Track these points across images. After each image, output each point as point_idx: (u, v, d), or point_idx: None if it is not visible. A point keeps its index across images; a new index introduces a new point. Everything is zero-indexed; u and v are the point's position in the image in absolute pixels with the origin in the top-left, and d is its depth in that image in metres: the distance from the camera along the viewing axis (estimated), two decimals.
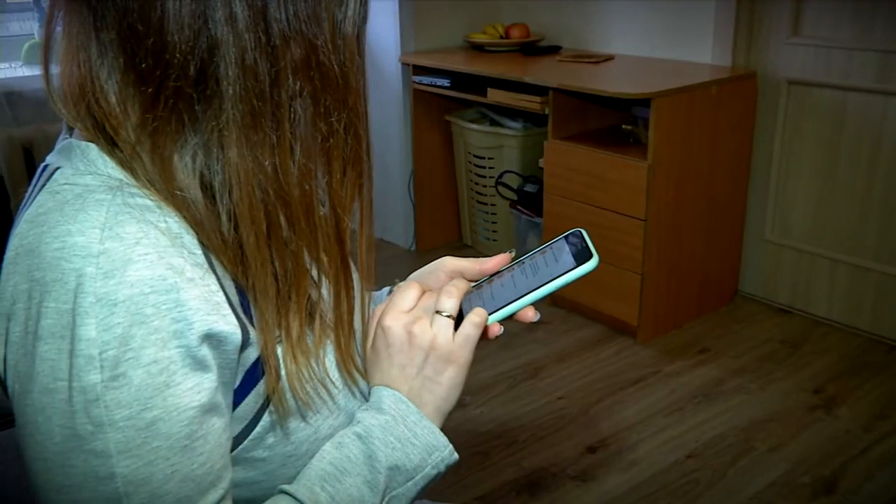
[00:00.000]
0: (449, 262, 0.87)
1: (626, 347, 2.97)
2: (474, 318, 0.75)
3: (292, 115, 0.68)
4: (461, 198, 3.81)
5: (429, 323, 0.76)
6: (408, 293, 0.78)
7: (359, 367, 0.78)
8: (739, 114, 3.02)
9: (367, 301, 0.80)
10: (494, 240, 3.63)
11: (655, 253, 2.88)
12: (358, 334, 0.80)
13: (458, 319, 0.76)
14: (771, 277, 3.25)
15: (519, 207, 3.41)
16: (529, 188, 3.41)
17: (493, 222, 3.65)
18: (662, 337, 3.03)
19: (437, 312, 0.76)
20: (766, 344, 2.98)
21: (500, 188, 3.52)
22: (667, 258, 2.94)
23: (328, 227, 0.73)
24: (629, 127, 3.04)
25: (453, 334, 0.76)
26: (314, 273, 0.74)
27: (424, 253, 3.74)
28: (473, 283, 0.83)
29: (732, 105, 2.98)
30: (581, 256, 0.77)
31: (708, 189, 3.00)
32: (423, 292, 0.78)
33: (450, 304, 0.76)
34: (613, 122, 3.21)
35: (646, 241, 2.83)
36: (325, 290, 0.76)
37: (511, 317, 0.78)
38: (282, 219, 0.70)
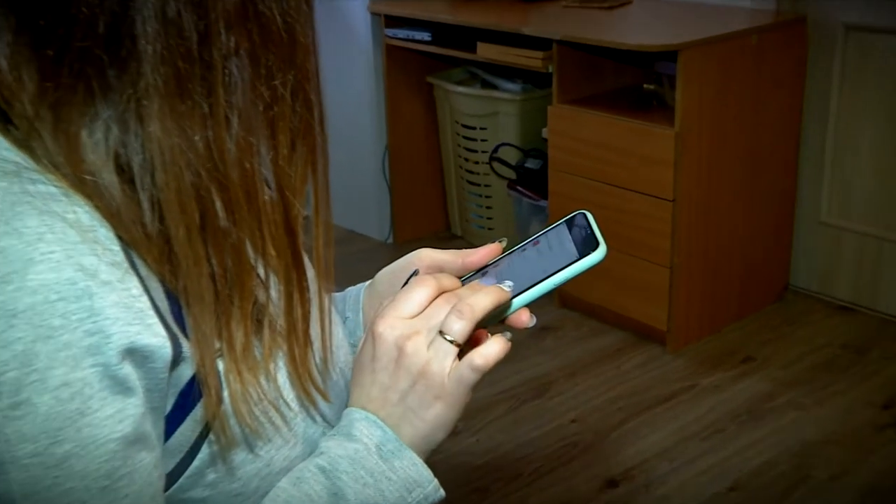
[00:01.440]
0: (426, 256, 0.88)
1: (652, 357, 2.99)
2: (477, 360, 0.75)
3: (227, 79, 0.68)
4: (448, 178, 3.82)
5: (426, 342, 0.76)
6: (415, 294, 0.77)
7: (318, 385, 0.79)
8: (786, 68, 3.04)
9: (327, 304, 0.80)
10: (490, 228, 3.64)
11: (686, 241, 2.90)
12: (317, 344, 0.80)
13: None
14: (829, 268, 3.27)
15: (519, 188, 3.42)
16: (531, 164, 3.42)
17: (487, 207, 3.66)
18: (697, 343, 3.05)
19: (441, 333, 0.75)
20: (823, 350, 3.00)
21: (496, 165, 3.53)
22: (701, 247, 2.96)
23: (275, 214, 0.73)
24: (651, 87, 3.05)
25: (453, 366, 0.76)
26: (260, 271, 0.74)
27: (403, 246, 3.75)
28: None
29: (778, 57, 2.99)
30: (585, 245, 0.78)
31: (750, 161, 3.02)
32: (440, 293, 0.78)
33: (458, 328, 0.75)
34: (632, 81, 3.22)
35: (675, 226, 2.85)
36: (275, 292, 0.76)
37: (502, 322, 0.78)
38: (218, 205, 0.70)
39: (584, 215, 0.82)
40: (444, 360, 0.76)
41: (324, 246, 0.78)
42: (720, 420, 2.67)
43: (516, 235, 3.42)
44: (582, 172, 3.02)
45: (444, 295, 0.78)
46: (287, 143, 0.73)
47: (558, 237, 0.81)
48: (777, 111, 3.06)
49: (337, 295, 0.97)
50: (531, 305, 0.79)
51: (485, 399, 2.77)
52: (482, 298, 0.76)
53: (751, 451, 2.54)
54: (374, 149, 3.80)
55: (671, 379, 2.87)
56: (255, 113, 0.70)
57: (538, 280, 0.78)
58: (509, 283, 0.78)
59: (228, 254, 0.71)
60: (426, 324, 0.76)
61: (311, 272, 0.79)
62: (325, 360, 0.81)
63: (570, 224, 0.82)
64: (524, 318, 0.80)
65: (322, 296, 0.80)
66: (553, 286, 0.77)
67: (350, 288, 0.98)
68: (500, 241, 0.85)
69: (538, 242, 0.82)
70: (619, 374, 2.90)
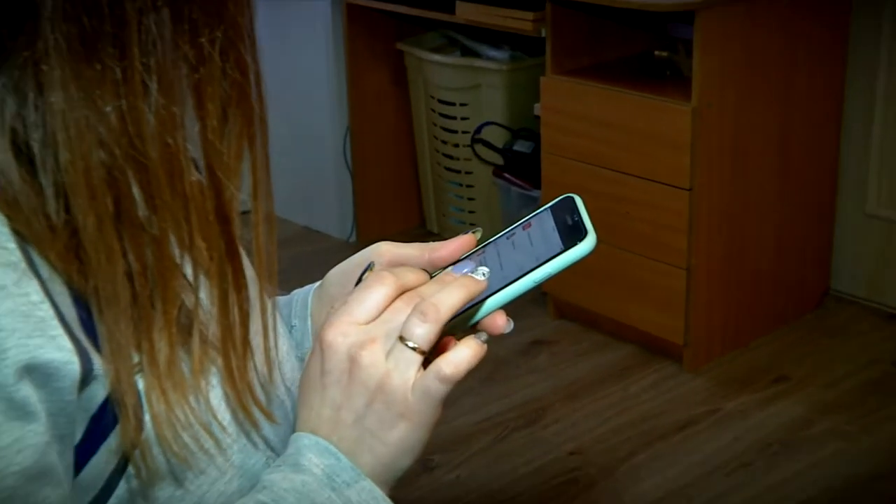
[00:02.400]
0: (385, 251, 0.88)
1: (667, 376, 3.00)
2: (445, 369, 0.75)
3: (143, 37, 0.68)
4: (422, 164, 3.82)
5: (384, 351, 0.76)
6: (370, 294, 0.78)
7: (261, 404, 0.79)
8: (825, 33, 3.06)
9: (269, 308, 0.80)
10: (472, 224, 3.58)
11: (707, 238, 2.91)
12: (258, 356, 0.80)
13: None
14: (877, 269, 3.28)
15: (506, 176, 3.43)
16: (520, 147, 3.43)
17: (469, 198, 3.66)
18: (720, 360, 3.06)
19: (402, 340, 0.76)
20: (871, 367, 3.02)
21: (479, 148, 3.53)
22: (724, 245, 2.97)
23: (204, 199, 0.73)
24: (664, 54, 3.06)
25: (417, 377, 0.76)
26: (188, 269, 0.75)
27: (368, 245, 3.72)
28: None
29: (815, 20, 3.01)
30: (571, 234, 0.79)
31: (781, 142, 3.04)
32: (401, 291, 0.79)
33: (421, 333, 0.75)
34: (641, 47, 3.23)
35: (692, 220, 2.86)
36: (206, 294, 0.76)
37: (473, 327, 0.79)
38: (135, 190, 0.70)
39: (572, 199, 0.83)
40: (405, 370, 0.76)
41: (265, 238, 0.78)
42: (748, 452, 2.68)
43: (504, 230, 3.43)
44: (581, 156, 3.03)
45: (405, 294, 0.78)
46: (217, 112, 0.73)
47: (541, 226, 0.82)
48: (814, 83, 3.08)
49: (281, 299, 0.98)
50: (509, 307, 0.80)
51: (466, 428, 2.78)
52: (450, 295, 0.77)
53: (786, 488, 2.55)
54: (332, 131, 3.80)
55: (689, 402, 2.88)
56: (177, 77, 0.70)
57: (516, 276, 0.78)
58: (484, 269, 0.79)
59: (148, 248, 0.71)
60: (384, 329, 0.77)
61: (250, 271, 0.79)
62: (268, 374, 0.81)
63: (554, 210, 0.83)
64: (500, 322, 0.80)
65: (264, 298, 0.80)
66: (533, 283, 0.78)
67: (296, 291, 0.98)
68: (472, 232, 0.85)
69: (516, 233, 0.83)
70: (627, 398, 2.91)
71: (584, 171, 3.03)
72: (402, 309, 0.77)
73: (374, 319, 0.77)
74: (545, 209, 0.83)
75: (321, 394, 0.77)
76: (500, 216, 3.53)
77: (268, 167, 0.78)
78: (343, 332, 0.76)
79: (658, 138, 2.86)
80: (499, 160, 3.49)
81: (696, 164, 2.82)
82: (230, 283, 0.76)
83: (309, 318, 0.95)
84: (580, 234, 0.79)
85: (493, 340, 0.79)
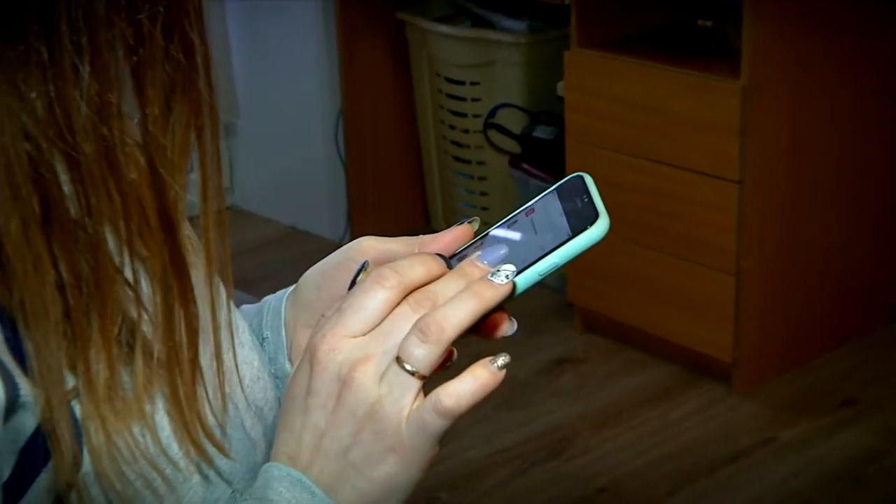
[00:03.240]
0: (368, 247, 0.88)
1: (714, 400, 2.99)
2: (445, 401, 0.75)
3: (73, 13, 0.68)
4: (426, 154, 3.83)
5: (377, 373, 0.76)
6: (368, 300, 0.78)
7: (213, 437, 0.79)
8: None
9: (226, 319, 0.82)
10: (486, 222, 3.58)
11: (759, 238, 2.91)
12: (212, 379, 0.81)
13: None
14: None
15: (524, 166, 3.43)
16: (541, 133, 3.43)
17: (481, 193, 3.66)
18: (776, 381, 3.05)
19: (399, 361, 0.76)
20: None
21: (493, 134, 3.53)
22: (779, 247, 2.97)
23: (146, 199, 0.73)
24: (708, 23, 3.06)
25: (413, 406, 0.76)
26: (128, 275, 0.75)
27: None
28: None
29: None
30: (580, 218, 0.80)
31: (848, 126, 3.03)
32: (406, 293, 0.78)
33: (421, 356, 0.75)
34: (682, 14, 3.22)
35: (742, 218, 2.86)
36: (150, 306, 0.77)
37: (477, 325, 0.78)
38: (66, 189, 0.70)
39: (581, 179, 0.84)
40: (400, 398, 0.76)
41: (217, 244, 0.79)
42: (810, 488, 2.67)
43: None
44: (612, 144, 3.03)
45: (412, 296, 0.78)
46: (159, 100, 0.73)
47: (546, 211, 0.83)
48: (888, 56, 3.06)
49: (251, 308, 1.00)
50: (514, 307, 0.80)
51: (478, 461, 2.77)
52: (458, 308, 0.76)
53: None
54: (322, 115, 3.81)
55: (740, 431, 2.87)
56: (113, 60, 0.70)
57: (520, 269, 0.79)
58: (509, 269, 0.79)
59: (82, 255, 0.71)
60: (381, 344, 0.77)
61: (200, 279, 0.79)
62: (221, 402, 0.81)
63: (562, 193, 0.84)
64: (501, 324, 0.80)
65: (215, 307, 0.80)
66: (538, 276, 0.78)
67: (267, 298, 0.99)
68: (469, 222, 0.85)
69: (518, 220, 0.84)
70: (667, 425, 2.90)
71: (615, 161, 3.03)
72: (405, 316, 0.77)
73: (371, 331, 0.77)
74: (551, 191, 0.84)
75: (304, 416, 0.78)
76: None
77: (218, 163, 0.78)
78: (334, 347, 0.77)
79: (702, 122, 2.85)
80: (516, 148, 3.49)
81: (747, 153, 2.81)
82: (176, 298, 0.76)
83: (283, 329, 0.95)
84: (591, 217, 0.79)
85: (512, 359, 0.79)
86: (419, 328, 0.75)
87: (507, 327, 0.80)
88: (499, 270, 0.78)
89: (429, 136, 3.78)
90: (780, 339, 3.05)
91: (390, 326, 0.77)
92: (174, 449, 0.77)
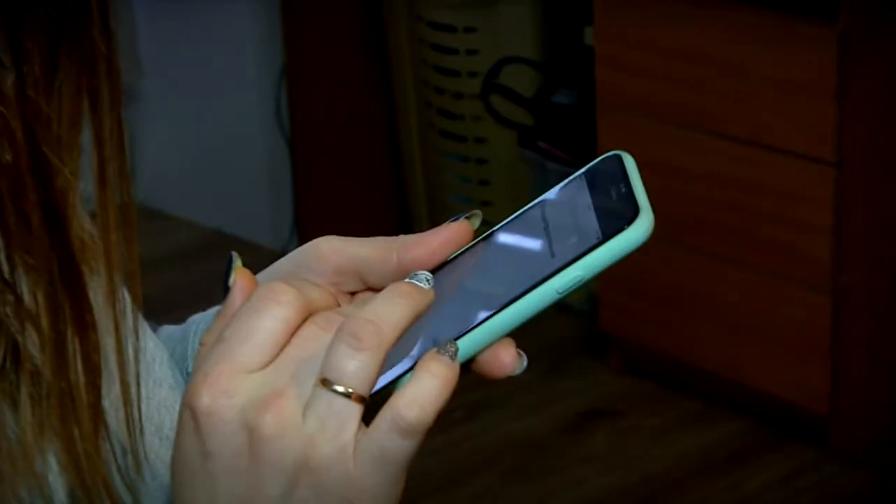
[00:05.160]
0: (330, 251, 0.90)
1: (803, 467, 3.00)
2: (405, 411, 0.75)
3: None
4: (404, 128, 3.85)
5: (298, 407, 0.77)
6: (259, 319, 0.78)
7: (110, 486, 0.80)
8: None
9: (135, 348, 0.82)
10: (487, 222, 3.59)
11: (865, 241, 2.92)
12: (117, 427, 0.82)
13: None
14: None
15: (540, 144, 3.45)
16: (562, 98, 3.45)
17: (480, 182, 3.69)
18: (887, 442, 3.06)
19: (325, 384, 0.76)
20: None
21: (496, 100, 3.55)
22: (894, 256, 2.98)
23: (26, 187, 0.74)
24: None
25: (358, 436, 0.76)
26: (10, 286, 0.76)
27: None
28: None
29: None
30: (615, 214, 0.79)
31: None
32: (306, 314, 0.79)
33: (355, 368, 0.75)
34: None
35: (841, 212, 2.87)
36: (35, 329, 0.78)
37: (466, 369, 0.79)
38: None
39: (619, 160, 0.83)
40: (339, 432, 0.76)
41: (120, 249, 0.80)
42: None
43: None
44: (657, 112, 3.05)
45: (313, 317, 0.79)
46: (41, 55, 0.75)
47: (569, 204, 0.83)
48: None
49: (172, 331, 1.02)
50: (532, 352, 0.80)
51: None
52: (391, 304, 0.77)
53: None
54: (258, 76, 3.84)
55: None
56: None
57: (530, 285, 0.79)
58: (424, 274, 0.80)
59: None
60: (289, 373, 0.77)
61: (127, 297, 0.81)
62: (133, 460, 0.82)
63: (591, 179, 0.84)
64: (505, 359, 0.80)
65: (122, 342, 0.81)
66: (557, 294, 0.78)
67: (194, 318, 1.01)
68: (468, 217, 0.85)
69: (532, 217, 0.84)
70: (739, 500, 2.90)
71: (662, 135, 3.05)
72: (314, 336, 0.78)
73: (271, 362, 0.77)
74: (576, 177, 0.84)
75: (209, 488, 0.78)
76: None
77: (121, 138, 0.79)
78: (226, 391, 0.76)
79: (783, 82, 2.87)
80: (527, 119, 3.50)
81: (847, 124, 2.83)
82: (68, 322, 0.77)
83: None
84: (629, 213, 0.79)
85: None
86: (348, 332, 0.76)
87: (514, 363, 0.79)
88: (416, 276, 0.80)
89: (407, 104, 3.79)
90: (894, 384, 3.05)
91: (297, 351, 0.78)
92: (63, 501, 0.79)
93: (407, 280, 0.80)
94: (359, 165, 3.89)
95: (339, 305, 0.81)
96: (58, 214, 0.75)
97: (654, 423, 3.15)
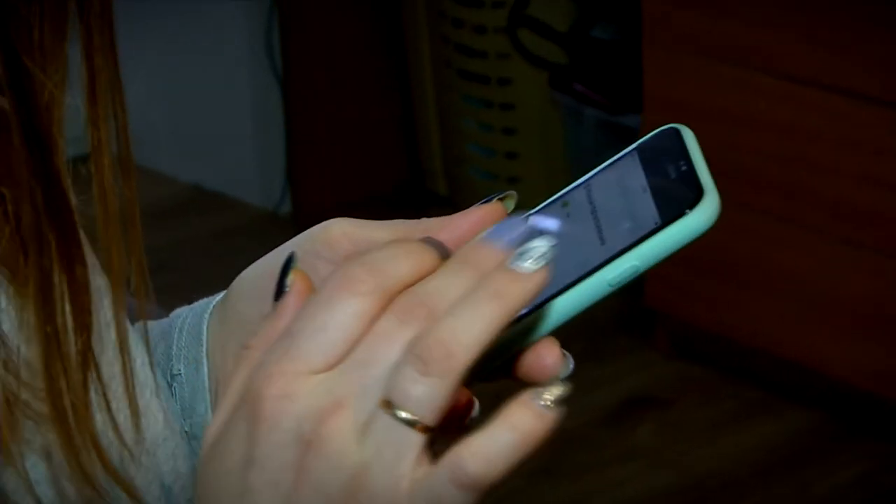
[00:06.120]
0: (340, 237, 0.91)
1: (886, 466, 3.00)
2: (470, 465, 0.74)
3: None
4: (416, 70, 3.87)
5: (356, 425, 0.77)
6: (333, 311, 0.77)
7: (100, 447, 0.82)
8: None
9: (128, 333, 0.85)
10: (512, 178, 3.70)
11: None
12: (109, 424, 0.84)
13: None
14: None
15: (576, 86, 3.45)
16: (600, 32, 3.46)
17: (505, 130, 3.70)
18: None
19: (387, 406, 0.76)
20: None
21: (524, 35, 3.55)
22: None
23: (15, 154, 0.76)
24: None
25: (418, 474, 0.76)
26: None
27: (312, 219, 3.71)
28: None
29: None
30: (673, 196, 0.80)
31: None
32: (386, 301, 0.78)
33: (422, 395, 0.74)
34: None
35: None
36: (9, 322, 0.80)
37: (509, 363, 0.80)
38: None
39: (677, 133, 0.84)
40: (396, 462, 0.75)
41: (119, 205, 0.81)
42: None
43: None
44: (713, 49, 3.05)
45: (396, 305, 0.78)
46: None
47: (622, 183, 0.83)
48: None
49: (153, 327, 1.01)
50: (564, 330, 0.80)
51: None
52: (475, 315, 0.76)
53: None
54: (246, 14, 3.86)
55: None
56: None
57: (577, 276, 0.79)
58: (540, 245, 0.76)
59: None
60: (357, 381, 0.77)
61: (100, 279, 0.82)
62: (133, 464, 0.84)
63: (645, 155, 0.84)
64: (548, 361, 0.80)
65: (122, 320, 0.82)
66: (608, 288, 0.79)
67: (180, 311, 1.01)
68: (501, 198, 0.86)
69: (578, 198, 0.84)
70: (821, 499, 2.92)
71: (717, 76, 3.05)
72: (391, 336, 0.77)
73: (339, 362, 0.77)
74: (627, 153, 0.85)
75: (241, 501, 0.78)
76: (561, 162, 3.56)
77: (113, 49, 0.80)
78: (287, 393, 0.76)
79: (862, 14, 2.86)
80: (561, 57, 3.51)
81: None
82: (54, 259, 0.78)
83: (204, 362, 0.97)
84: (691, 194, 0.79)
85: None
86: (415, 354, 0.75)
87: (558, 365, 0.80)
88: (525, 251, 0.77)
89: (419, 40, 3.80)
90: None
91: (369, 353, 0.77)
92: None
93: (511, 262, 0.76)
94: (362, 111, 3.90)
95: (438, 262, 0.79)
96: (41, 135, 0.76)
97: (708, 414, 3.16)
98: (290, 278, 0.82)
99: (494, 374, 0.80)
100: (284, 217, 3.86)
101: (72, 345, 0.78)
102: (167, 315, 1.00)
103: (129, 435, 0.84)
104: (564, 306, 0.80)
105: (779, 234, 3.02)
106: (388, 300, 0.78)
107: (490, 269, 0.77)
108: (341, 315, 0.77)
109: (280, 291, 0.81)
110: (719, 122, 2.97)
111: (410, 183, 3.94)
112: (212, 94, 3.93)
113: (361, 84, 3.89)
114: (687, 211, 0.78)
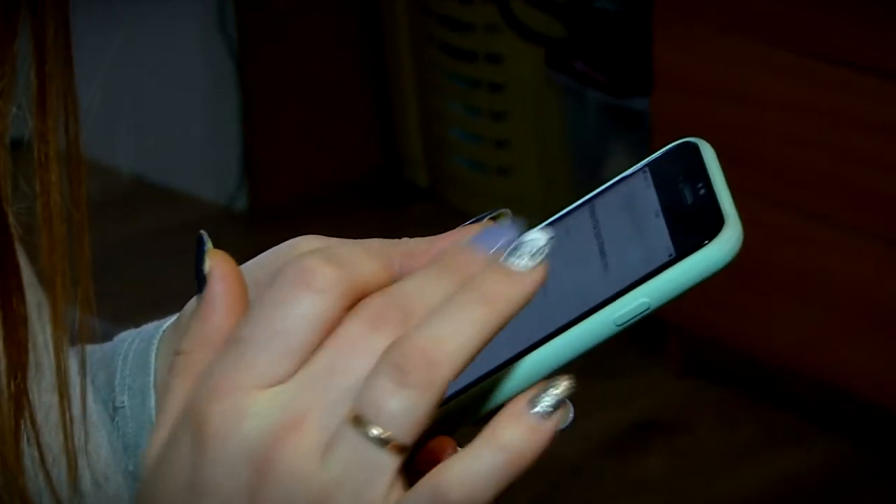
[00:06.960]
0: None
1: None
2: (451, 491, 0.75)
3: None
4: (394, 44, 3.91)
5: (321, 443, 0.77)
6: (288, 310, 0.77)
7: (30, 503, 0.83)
8: None
9: (70, 369, 0.86)
10: (503, 169, 3.73)
11: None
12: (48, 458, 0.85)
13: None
14: None
15: (576, 64, 3.47)
16: (604, 3, 3.48)
17: (494, 115, 3.73)
18: None
19: (357, 422, 0.76)
20: None
21: (516, 7, 3.57)
22: None
23: None
24: None
25: (393, 499, 0.76)
26: None
27: (270, 217, 3.83)
28: None
29: None
30: (691, 223, 0.80)
31: None
32: (355, 299, 0.78)
33: (398, 410, 0.75)
34: None
35: None
36: None
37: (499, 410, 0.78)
38: None
39: (694, 149, 0.84)
40: (365, 488, 0.76)
41: (60, 244, 0.82)
42: None
43: (571, 196, 3.45)
44: (732, 21, 3.06)
45: (367, 305, 0.78)
46: None
47: (631, 205, 0.83)
48: None
49: (93, 350, 1.02)
50: (572, 367, 0.80)
51: None
52: (462, 321, 0.75)
53: None
54: None
55: None
56: None
57: (576, 314, 0.79)
58: (536, 238, 0.75)
59: None
60: (321, 395, 0.77)
61: (33, 292, 0.83)
62: (67, 457, 0.85)
63: (658, 173, 0.84)
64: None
65: (60, 346, 0.83)
66: (615, 328, 0.79)
67: (124, 334, 1.02)
68: (493, 217, 0.87)
69: (580, 220, 0.85)
70: None
71: (736, 51, 3.06)
72: (359, 341, 0.77)
73: (295, 373, 0.77)
74: (638, 170, 0.85)
75: None
76: (558, 151, 3.58)
77: (69, 51, 0.81)
78: (237, 408, 0.77)
79: None
80: (559, 31, 3.53)
81: None
82: None
83: (152, 394, 0.98)
84: (711, 222, 0.79)
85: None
86: (391, 362, 0.75)
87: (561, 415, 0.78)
88: (519, 245, 0.76)
89: (396, 10, 3.84)
90: None
91: (332, 362, 0.77)
92: None
93: (503, 260, 0.76)
94: (330, 91, 3.92)
95: (397, 278, 0.79)
96: None
97: (726, 440, 3.18)
98: (207, 263, 0.81)
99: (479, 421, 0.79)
100: (240, 213, 3.89)
101: (3, 388, 0.79)
102: (101, 327, 0.99)
103: (64, 486, 0.84)
104: (563, 347, 0.80)
105: (810, 234, 3.03)
106: (353, 300, 0.78)
107: (476, 273, 0.76)
108: (297, 316, 0.77)
109: (200, 282, 0.80)
110: (739, 106, 2.99)
111: (386, 173, 3.97)
112: (156, 71, 3.94)
113: (329, 60, 3.91)
114: (706, 242, 0.78)
